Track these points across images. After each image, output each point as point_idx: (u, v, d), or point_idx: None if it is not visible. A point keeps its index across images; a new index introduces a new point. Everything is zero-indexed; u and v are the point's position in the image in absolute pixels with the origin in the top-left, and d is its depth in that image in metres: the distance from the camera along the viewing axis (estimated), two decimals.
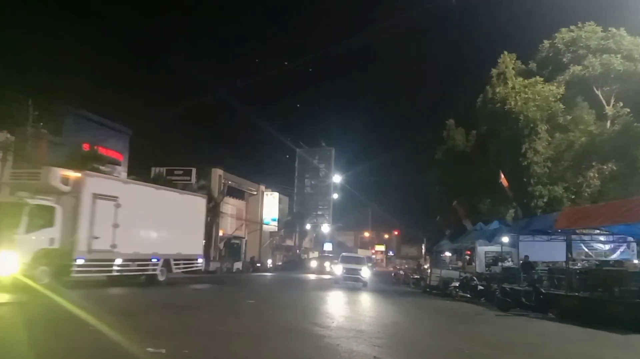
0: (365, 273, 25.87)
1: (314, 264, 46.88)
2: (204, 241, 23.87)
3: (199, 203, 22.82)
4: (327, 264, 43.67)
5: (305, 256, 62.11)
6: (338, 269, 26.64)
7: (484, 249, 24.95)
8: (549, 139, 25.08)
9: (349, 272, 25.53)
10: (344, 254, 31.95)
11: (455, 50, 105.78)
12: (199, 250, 22.48)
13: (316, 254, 55.12)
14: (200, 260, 22.32)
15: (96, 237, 15.74)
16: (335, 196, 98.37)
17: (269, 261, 51.83)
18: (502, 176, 24.85)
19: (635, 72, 24.33)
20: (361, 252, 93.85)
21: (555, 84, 25.38)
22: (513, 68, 27.01)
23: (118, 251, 16.75)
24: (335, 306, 16.23)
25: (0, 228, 13.84)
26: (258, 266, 47.60)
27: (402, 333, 10.35)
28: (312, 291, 22.97)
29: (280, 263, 56.06)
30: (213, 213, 41.77)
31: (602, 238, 20.84)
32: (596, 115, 25.55)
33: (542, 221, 18.39)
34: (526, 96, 24.82)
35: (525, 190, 24.79)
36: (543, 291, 15.48)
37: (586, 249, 21.81)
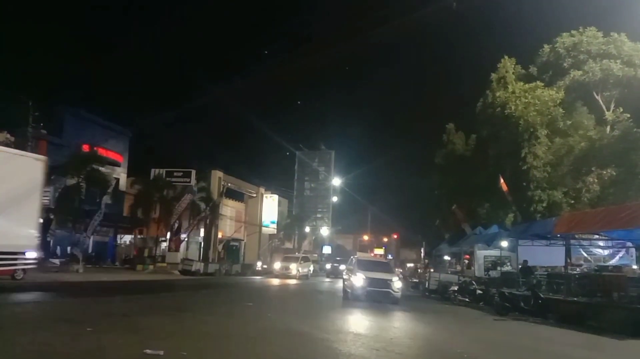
0: (397, 284, 18.04)
1: (277, 266, 39.08)
2: (38, 230, 15.21)
3: (28, 167, 14.52)
4: (292, 266, 36.63)
5: None
6: (357, 280, 17.92)
7: (482, 254, 24.97)
8: (549, 143, 25.11)
9: (375, 284, 17.60)
10: (360, 258, 22.75)
11: (456, 55, 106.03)
12: (28, 240, 14.67)
13: (315, 256, 53.70)
14: (30, 254, 14.92)
15: None
16: (335, 198, 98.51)
17: (259, 264, 48.21)
18: (502, 180, 24.87)
19: (635, 78, 24.39)
20: (360, 255, 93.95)
21: (555, 88, 25.42)
22: (513, 72, 27.10)
23: None
24: (333, 310, 16.23)
25: None
26: (264, 268, 46.53)
27: (400, 336, 10.33)
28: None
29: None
30: (212, 215, 41.83)
31: (601, 243, 20.87)
32: (596, 120, 25.59)
33: (541, 225, 18.39)
34: (526, 100, 24.87)
35: (524, 194, 24.80)
36: (542, 295, 15.47)
37: (585, 254, 21.83)
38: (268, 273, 44.27)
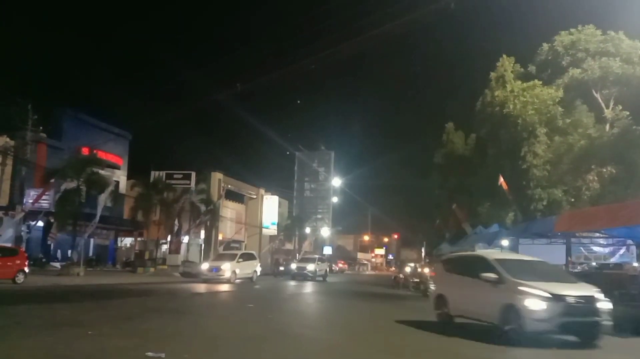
0: (607, 305, 9.55)
1: (204, 266, 28.57)
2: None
3: None
4: (225, 266, 26.62)
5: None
6: (533, 303, 8.92)
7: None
8: (548, 142, 25.09)
9: (575, 309, 9.18)
10: (499, 257, 11.24)
11: (455, 54, 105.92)
12: None
13: (316, 256, 52.52)
14: None
15: None
16: (335, 199, 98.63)
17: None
18: (502, 179, 24.85)
19: (634, 76, 24.36)
20: (361, 256, 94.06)
21: (554, 87, 25.40)
22: (512, 71, 27.06)
23: None
24: (332, 310, 16.22)
25: None
26: (281, 270, 43.49)
27: (401, 336, 10.32)
28: None
29: (282, 268, 54.13)
30: (212, 216, 41.82)
31: (601, 241, 20.85)
32: (595, 118, 25.55)
33: (541, 224, 18.35)
34: (525, 99, 24.86)
35: (524, 193, 24.79)
36: None
37: (585, 253, 21.83)
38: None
